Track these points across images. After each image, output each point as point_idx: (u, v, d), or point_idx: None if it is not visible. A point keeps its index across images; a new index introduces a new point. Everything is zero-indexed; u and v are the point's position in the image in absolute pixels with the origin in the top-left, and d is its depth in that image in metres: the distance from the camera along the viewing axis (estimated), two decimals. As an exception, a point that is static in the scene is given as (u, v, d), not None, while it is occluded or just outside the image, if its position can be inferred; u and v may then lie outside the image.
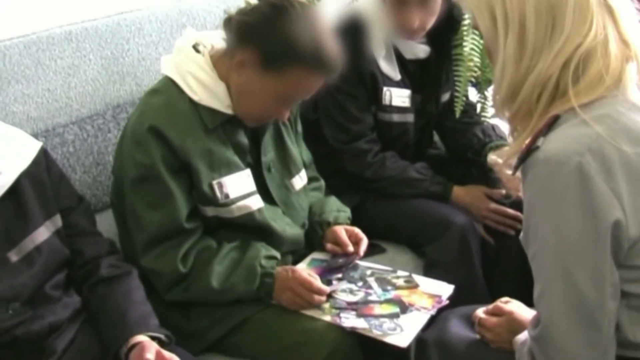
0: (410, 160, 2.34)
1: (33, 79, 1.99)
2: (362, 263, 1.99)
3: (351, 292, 1.87)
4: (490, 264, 2.28)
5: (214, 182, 1.79)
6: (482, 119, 2.52)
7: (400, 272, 1.96)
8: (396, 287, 1.89)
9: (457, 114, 2.38)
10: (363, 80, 2.24)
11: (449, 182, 2.33)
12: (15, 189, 1.56)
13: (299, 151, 2.04)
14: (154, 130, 1.73)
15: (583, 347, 1.29)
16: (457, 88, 2.34)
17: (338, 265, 1.96)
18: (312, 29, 1.71)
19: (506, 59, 1.33)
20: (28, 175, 1.58)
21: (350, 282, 1.91)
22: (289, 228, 1.93)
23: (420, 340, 1.71)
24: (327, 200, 2.11)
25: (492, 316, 1.63)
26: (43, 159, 1.63)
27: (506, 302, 1.65)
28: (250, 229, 1.85)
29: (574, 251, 1.26)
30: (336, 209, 2.08)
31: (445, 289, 1.88)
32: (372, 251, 2.10)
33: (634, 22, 1.33)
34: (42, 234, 1.59)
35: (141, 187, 1.76)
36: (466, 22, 2.30)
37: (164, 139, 1.73)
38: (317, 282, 1.80)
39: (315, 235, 2.03)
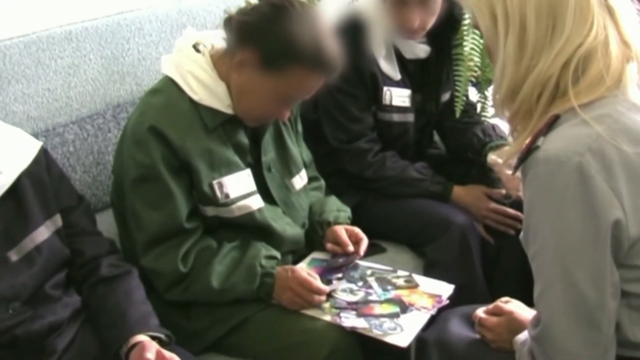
0: (410, 160, 2.34)
1: (33, 79, 1.99)
2: (362, 263, 1.99)
3: (351, 291, 1.87)
4: (490, 263, 2.28)
5: (214, 182, 1.79)
6: (482, 118, 2.52)
7: (400, 272, 1.96)
8: (396, 287, 1.89)
9: (458, 114, 2.38)
10: (363, 80, 2.24)
11: (449, 182, 2.33)
12: (15, 188, 1.56)
13: (299, 151, 2.04)
14: (154, 130, 1.73)
15: (583, 346, 1.29)
16: (458, 88, 2.34)
17: (338, 265, 1.96)
18: (312, 28, 1.71)
19: (506, 59, 1.33)
20: (28, 174, 1.58)
21: (350, 281, 1.91)
22: (289, 228, 1.93)
23: (420, 340, 1.71)
24: (327, 200, 2.11)
25: (492, 316, 1.63)
26: (43, 159, 1.63)
27: (506, 302, 1.65)
28: (251, 229, 1.85)
29: (574, 251, 1.26)
30: (336, 208, 2.08)
31: (445, 289, 1.89)
32: (372, 251, 2.10)
33: (635, 22, 1.33)
34: (42, 233, 1.59)
35: (141, 187, 1.76)
36: (466, 21, 2.30)
37: (164, 138, 1.73)
38: (317, 281, 1.80)
39: (316, 235, 2.03)
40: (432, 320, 1.78)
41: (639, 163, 1.26)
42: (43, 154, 1.63)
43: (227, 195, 1.80)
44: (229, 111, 1.80)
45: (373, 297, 1.84)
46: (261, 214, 1.86)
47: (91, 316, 1.64)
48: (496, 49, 1.35)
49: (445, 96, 2.41)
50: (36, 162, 1.60)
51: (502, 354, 1.56)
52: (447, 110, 2.41)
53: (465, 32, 2.32)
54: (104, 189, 2.08)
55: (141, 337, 1.55)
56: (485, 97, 2.54)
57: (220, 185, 1.79)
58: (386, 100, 2.28)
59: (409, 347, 1.71)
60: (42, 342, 1.54)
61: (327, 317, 1.77)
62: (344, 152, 2.29)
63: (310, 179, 2.08)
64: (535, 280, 1.33)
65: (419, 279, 1.93)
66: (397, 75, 2.28)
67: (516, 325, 1.55)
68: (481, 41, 2.28)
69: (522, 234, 1.36)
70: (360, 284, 1.90)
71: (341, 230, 2.01)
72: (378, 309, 1.80)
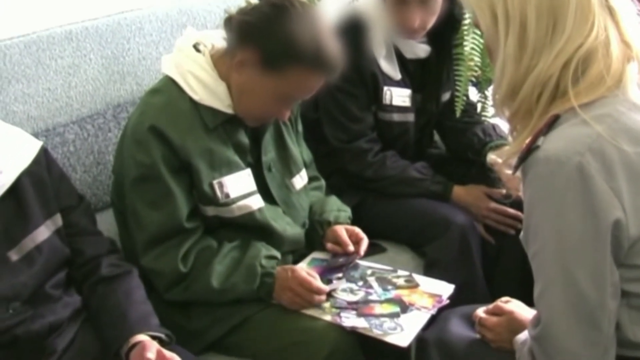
0: (410, 160, 2.34)
1: (33, 79, 1.99)
2: (363, 262, 1.99)
3: (351, 291, 1.87)
4: (490, 263, 2.28)
5: (215, 182, 1.79)
6: (483, 118, 2.52)
7: (400, 272, 1.96)
8: (396, 287, 1.89)
9: (458, 114, 2.38)
10: (363, 79, 2.24)
11: (450, 182, 2.33)
12: (15, 188, 1.56)
13: (299, 151, 2.04)
14: (154, 130, 1.73)
15: (583, 346, 1.29)
16: (458, 87, 2.35)
17: (338, 264, 1.96)
18: (312, 28, 1.71)
19: (506, 58, 1.33)
20: (28, 174, 1.58)
21: (350, 281, 1.91)
22: (289, 228, 1.93)
23: (420, 340, 1.72)
24: (327, 200, 2.11)
25: (493, 316, 1.63)
26: (43, 158, 1.63)
27: (506, 302, 1.65)
28: (251, 229, 1.85)
29: (574, 250, 1.26)
30: (336, 208, 2.08)
31: (445, 289, 1.89)
32: (372, 251, 2.10)
33: (635, 23, 1.33)
34: (43, 233, 1.59)
35: (142, 187, 1.76)
36: (467, 21, 2.30)
37: (164, 138, 1.73)
38: (317, 281, 1.80)
39: (316, 235, 2.03)
40: (433, 320, 1.78)
41: (639, 163, 1.26)
42: (43, 153, 1.63)
43: (227, 195, 1.80)
44: (229, 111, 1.80)
45: (373, 297, 1.84)
46: (261, 213, 1.86)
47: (91, 316, 1.64)
48: (496, 48, 1.34)
49: (446, 96, 2.41)
50: (36, 161, 1.60)
51: (502, 354, 1.56)
52: (447, 110, 2.41)
53: (465, 32, 2.32)
54: (104, 189, 2.08)
55: (141, 337, 1.55)
56: (486, 97, 2.54)
57: (221, 185, 1.79)
58: (386, 100, 2.28)
59: (409, 346, 1.72)
60: (42, 341, 1.54)
61: (328, 317, 1.77)
62: (344, 152, 2.29)
63: (311, 179, 2.08)
64: (536, 280, 1.33)
65: (419, 278, 1.93)
66: (397, 75, 2.28)
67: (516, 325, 1.55)
68: (481, 41, 2.28)
69: (522, 233, 1.36)
70: (361, 283, 1.90)
71: (341, 230, 2.01)
72: (378, 309, 1.80)
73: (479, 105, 2.56)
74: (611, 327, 1.29)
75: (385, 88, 2.27)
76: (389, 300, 1.83)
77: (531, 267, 1.33)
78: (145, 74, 2.23)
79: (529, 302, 1.42)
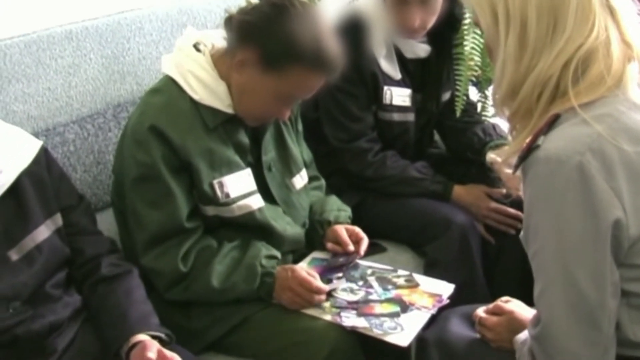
0: (410, 160, 2.34)
1: (34, 78, 1.99)
2: (363, 262, 1.99)
3: (352, 291, 1.87)
4: (490, 263, 2.28)
5: (215, 182, 1.79)
6: (483, 118, 2.52)
7: (400, 272, 1.96)
8: (397, 286, 1.89)
9: (458, 113, 2.38)
10: (364, 79, 2.24)
11: (450, 182, 2.33)
12: (15, 187, 1.56)
13: (299, 150, 2.04)
14: (154, 130, 1.73)
15: (583, 346, 1.29)
16: (458, 87, 2.34)
17: (338, 264, 1.96)
18: (312, 28, 1.71)
19: (506, 58, 1.33)
20: (28, 174, 1.58)
21: (350, 281, 1.91)
22: (289, 227, 1.93)
23: (420, 340, 1.72)
24: (327, 200, 2.11)
25: (493, 315, 1.63)
26: (43, 158, 1.63)
27: (506, 302, 1.65)
28: (251, 229, 1.85)
29: (574, 250, 1.26)
30: (337, 208, 2.08)
31: (445, 288, 1.89)
32: (372, 250, 2.10)
33: (636, 23, 1.33)
34: (43, 232, 1.59)
35: (142, 187, 1.76)
36: (467, 21, 2.30)
37: (164, 138, 1.73)
38: (316, 281, 1.80)
39: (316, 235, 2.03)
40: (433, 319, 1.78)
41: (639, 162, 1.26)
42: (43, 153, 1.63)
43: (227, 195, 1.80)
44: (230, 111, 1.80)
45: (373, 297, 1.84)
46: (261, 213, 1.86)
47: (91, 315, 1.64)
48: (497, 47, 1.34)
49: (446, 95, 2.41)
50: (36, 161, 1.60)
51: (502, 354, 1.56)
52: (447, 110, 2.41)
53: (465, 32, 2.32)
54: (104, 189, 2.08)
55: (142, 337, 1.55)
56: (486, 97, 2.54)
57: (221, 185, 1.79)
58: (386, 99, 2.28)
59: (410, 346, 1.72)
60: (43, 341, 1.54)
61: (328, 317, 1.77)
62: (344, 152, 2.29)
63: (311, 179, 2.08)
64: (536, 280, 1.33)
65: (419, 278, 1.93)
66: (397, 75, 2.28)
67: (516, 325, 1.55)
68: (482, 40, 2.27)
69: (522, 233, 1.36)
70: (361, 283, 1.90)
71: (341, 230, 2.01)
72: (378, 309, 1.80)
73: (479, 105, 2.56)
74: (611, 327, 1.29)
75: (386, 88, 2.27)
76: (389, 300, 1.83)
77: (531, 267, 1.33)
78: (145, 73, 2.23)
79: (529, 301, 1.42)
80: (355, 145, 2.28)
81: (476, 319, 1.65)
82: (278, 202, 1.93)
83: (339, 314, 1.78)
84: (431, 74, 2.36)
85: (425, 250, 2.22)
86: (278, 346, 1.77)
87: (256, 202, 1.85)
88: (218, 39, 1.82)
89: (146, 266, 1.77)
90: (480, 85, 2.54)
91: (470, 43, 2.32)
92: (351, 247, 1.97)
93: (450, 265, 2.13)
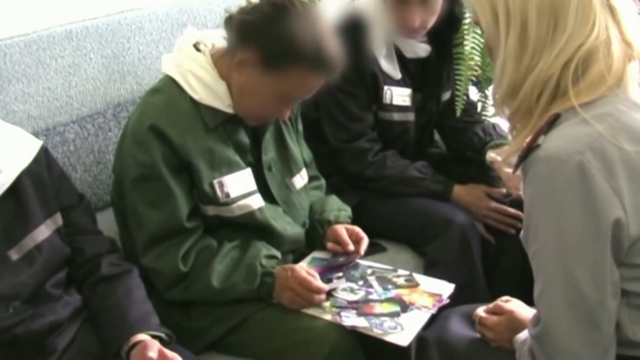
0: (410, 159, 2.34)
1: (34, 78, 1.99)
2: (363, 262, 1.99)
3: (352, 291, 1.87)
4: (490, 263, 2.28)
5: (215, 181, 1.79)
6: (483, 117, 2.52)
7: (400, 271, 1.96)
8: (397, 286, 1.89)
9: (458, 113, 2.38)
10: (364, 79, 2.24)
11: (450, 181, 2.33)
12: (15, 187, 1.56)
13: (299, 150, 2.04)
14: (154, 130, 1.73)
15: (583, 345, 1.29)
16: (458, 87, 2.34)
17: (339, 264, 1.96)
18: (313, 28, 1.71)
19: (507, 57, 1.33)
20: (28, 173, 1.58)
21: (350, 281, 1.91)
22: (289, 227, 1.93)
23: (420, 339, 1.72)
24: (327, 199, 2.11)
25: (493, 315, 1.63)
26: (43, 158, 1.63)
27: (506, 301, 1.65)
28: (251, 228, 1.85)
29: (575, 250, 1.26)
30: (337, 207, 2.08)
31: (445, 288, 1.89)
32: (372, 250, 2.10)
33: (636, 22, 1.33)
34: (43, 232, 1.59)
35: (142, 186, 1.76)
36: (467, 20, 2.30)
37: (164, 138, 1.73)
38: (316, 280, 1.80)
39: (316, 234, 2.03)
40: (433, 319, 1.78)
41: (639, 162, 1.26)
42: (43, 153, 1.63)
43: (227, 195, 1.80)
44: (230, 110, 1.80)
45: (373, 296, 1.84)
46: (262, 213, 1.86)
47: (92, 315, 1.64)
48: (497, 47, 1.34)
49: (446, 95, 2.41)
50: (36, 161, 1.60)
51: (502, 353, 1.56)
52: (447, 110, 2.41)
53: (465, 31, 2.32)
54: (104, 188, 2.08)
55: (142, 336, 1.55)
56: (486, 96, 2.54)
57: (221, 185, 1.79)
58: (387, 99, 2.28)
59: (410, 346, 1.71)
60: (43, 341, 1.54)
61: (328, 316, 1.77)
62: (344, 152, 2.29)
63: (311, 178, 2.08)
64: (536, 279, 1.33)
65: (419, 278, 1.93)
66: (397, 75, 2.28)
67: (516, 324, 1.55)
68: (482, 40, 2.28)
69: (522, 232, 1.36)
70: (361, 283, 1.90)
71: (342, 230, 2.01)
72: (378, 308, 1.80)
73: (479, 105, 2.56)
74: (611, 327, 1.29)
75: (386, 87, 2.27)
76: (389, 300, 1.83)
77: (531, 267, 1.33)
78: (145, 73, 2.23)
79: (529, 301, 1.42)
80: (355, 145, 2.28)
81: (476, 318, 1.65)
82: (278, 202, 1.93)
83: (339, 314, 1.78)
84: (431, 73, 2.36)
85: (425, 250, 2.22)
86: (278, 346, 1.77)
87: (256, 201, 1.85)
88: (218, 38, 1.82)
89: (146, 266, 1.77)
90: (481, 84, 2.54)
91: (471, 43, 2.32)
92: (351, 247, 1.97)
93: (450, 265, 2.13)
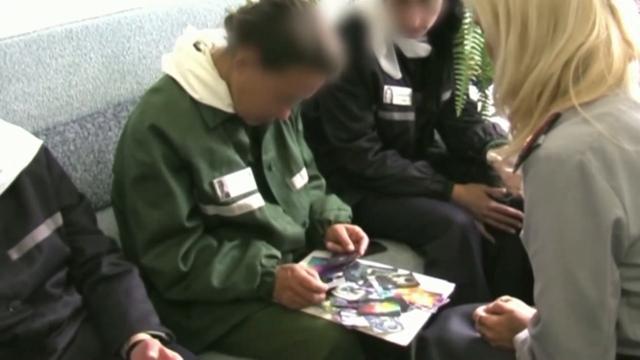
0: (410, 159, 2.34)
1: (34, 77, 1.99)
2: (363, 261, 1.99)
3: (352, 290, 1.87)
4: (490, 262, 2.28)
5: (215, 181, 1.79)
6: (483, 117, 2.52)
7: (401, 271, 1.96)
8: (397, 286, 1.89)
9: (458, 113, 2.38)
10: (364, 78, 2.24)
11: (450, 181, 2.33)
12: (15, 187, 1.56)
13: (299, 150, 2.04)
14: (154, 129, 1.73)
15: (583, 345, 1.29)
16: (458, 86, 2.34)
17: (339, 263, 1.96)
18: (313, 27, 1.71)
19: (507, 57, 1.33)
20: (29, 173, 1.58)
21: (351, 280, 1.91)
22: (289, 227, 1.93)
23: (420, 339, 1.72)
24: (327, 199, 2.11)
25: (493, 315, 1.63)
26: (44, 157, 1.63)
27: (506, 301, 1.65)
28: (251, 228, 1.85)
29: (575, 249, 1.26)
30: (337, 207, 2.08)
31: (445, 288, 1.89)
32: (372, 250, 2.10)
33: (637, 21, 1.33)
34: (43, 232, 1.59)
35: (142, 186, 1.76)
36: (467, 20, 2.30)
37: (164, 137, 1.73)
38: (316, 280, 1.80)
39: (316, 234, 2.03)
40: (433, 318, 1.78)
41: (639, 161, 1.26)
42: (43, 152, 1.63)
43: (227, 194, 1.80)
44: (230, 110, 1.80)
45: (374, 296, 1.84)
46: (262, 212, 1.86)
47: (92, 315, 1.64)
48: (497, 46, 1.34)
49: (446, 95, 2.41)
50: (36, 160, 1.60)
51: (502, 353, 1.56)
52: (447, 109, 2.41)
53: (466, 31, 2.32)
54: (104, 188, 2.08)
55: (142, 336, 1.55)
56: (486, 96, 2.54)
57: (221, 184, 1.79)
58: (387, 99, 2.28)
59: (410, 345, 1.71)
60: (43, 340, 1.54)
61: (328, 316, 1.77)
62: (344, 151, 2.29)
63: (311, 178, 2.08)
64: (536, 279, 1.33)
65: (419, 277, 1.93)
66: (397, 74, 2.28)
67: (516, 324, 1.55)
68: (482, 40, 2.28)
69: (522, 232, 1.36)
70: (361, 282, 1.90)
71: (342, 229, 2.01)
72: (379, 308, 1.80)
73: (480, 104, 2.56)
74: (611, 326, 1.29)
75: (386, 87, 2.27)
76: (389, 299, 1.83)
77: (531, 266, 1.33)
78: (145, 72, 2.23)
79: (529, 301, 1.42)
80: (356, 145, 2.28)
81: (476, 318, 1.65)
82: (278, 202, 1.93)
83: (339, 313, 1.78)
84: (431, 73, 2.36)
85: (425, 250, 2.23)
86: (278, 345, 1.77)
87: (256, 201, 1.85)
88: (218, 38, 1.82)
89: (146, 265, 1.77)
90: (481, 84, 2.54)
91: (471, 42, 2.32)
92: (351, 247, 1.97)
93: (450, 265, 2.13)
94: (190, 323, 1.81)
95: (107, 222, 1.92)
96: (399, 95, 2.30)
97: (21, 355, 1.52)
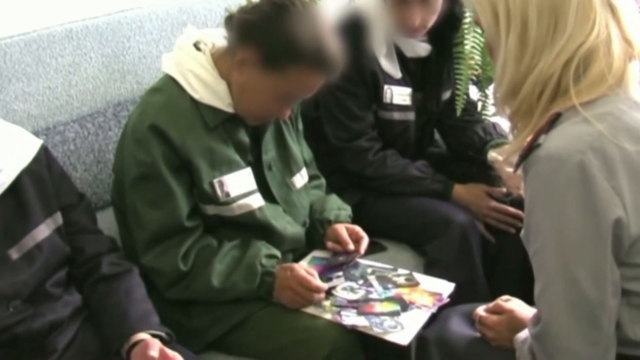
0: (411, 159, 2.34)
1: (34, 77, 1.99)
2: (363, 261, 1.99)
3: (352, 290, 1.87)
4: (490, 262, 2.28)
5: (215, 181, 1.79)
6: (483, 117, 2.52)
7: (401, 270, 1.96)
8: (397, 285, 1.89)
9: (458, 112, 2.38)
10: (364, 78, 2.24)
11: (450, 181, 2.33)
12: (15, 186, 1.56)
13: (299, 149, 2.04)
14: (154, 129, 1.73)
15: (583, 345, 1.29)
16: (458, 86, 2.34)
17: (339, 263, 1.96)
18: (313, 27, 1.71)
19: (507, 57, 1.33)
20: (29, 172, 1.58)
21: (351, 280, 1.91)
22: (289, 226, 1.93)
23: (421, 338, 1.72)
24: (327, 199, 2.11)
25: (493, 314, 1.63)
26: (44, 157, 1.63)
27: (507, 300, 1.65)
28: (251, 228, 1.85)
29: (575, 249, 1.26)
30: (337, 207, 2.08)
31: (445, 287, 1.89)
32: (372, 249, 2.10)
33: (637, 21, 1.33)
34: (43, 231, 1.59)
35: (142, 186, 1.76)
36: (467, 20, 2.30)
37: (164, 137, 1.73)
38: (315, 280, 1.80)
39: (316, 234, 2.03)
40: (433, 318, 1.78)
41: (640, 161, 1.26)
42: (43, 152, 1.63)
43: (227, 194, 1.80)
44: (230, 110, 1.80)
45: (374, 296, 1.84)
46: (262, 212, 1.86)
47: (92, 314, 1.64)
48: (497, 46, 1.34)
49: (446, 94, 2.41)
50: (37, 160, 1.60)
51: (502, 353, 1.56)
52: (447, 109, 2.41)
53: (466, 31, 2.32)
54: (104, 187, 2.08)
55: (142, 335, 1.55)
56: (486, 96, 2.54)
57: (221, 184, 1.79)
58: (387, 98, 2.28)
59: (410, 345, 1.72)
60: (43, 340, 1.54)
61: (328, 316, 1.77)
62: (344, 151, 2.29)
63: (311, 178, 2.08)
64: (536, 279, 1.33)
65: (419, 277, 1.93)
66: (397, 74, 2.28)
67: (517, 324, 1.55)
68: (482, 39, 2.28)
69: (522, 232, 1.36)
70: (361, 282, 1.90)
71: (342, 229, 2.01)
72: (379, 307, 1.80)
73: (480, 104, 2.55)
74: (611, 326, 1.29)
75: (386, 87, 2.27)
76: (389, 299, 1.83)
77: (531, 266, 1.33)
78: (145, 72, 2.23)
79: (530, 300, 1.42)
80: (356, 144, 2.28)
81: (476, 317, 1.65)
82: (278, 201, 1.93)
83: (339, 313, 1.78)
84: (431, 72, 2.36)
85: (425, 249, 2.23)
86: (278, 345, 1.77)
87: (256, 201, 1.85)
88: (218, 38, 1.82)
89: (146, 265, 1.77)
90: (481, 84, 2.54)
91: (471, 42, 2.32)
92: (351, 246, 1.97)
93: (450, 264, 2.13)
94: (190, 323, 1.81)
95: (107, 221, 1.92)
96: (399, 95, 2.30)
97: (21, 355, 1.52)
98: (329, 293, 1.83)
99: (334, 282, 1.88)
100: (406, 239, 2.27)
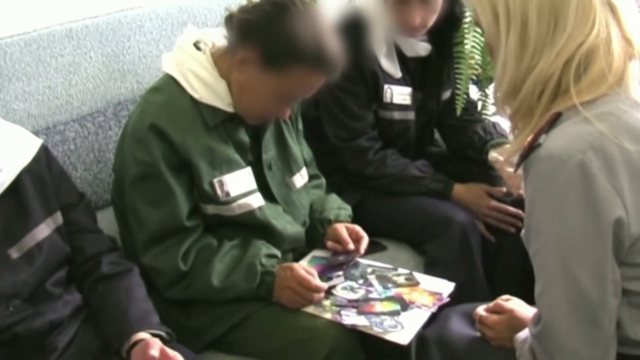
0: (411, 158, 2.34)
1: (34, 77, 1.99)
2: (363, 261, 1.99)
3: (352, 289, 1.87)
4: (491, 261, 2.28)
5: (215, 180, 1.79)
6: (483, 116, 2.52)
7: (401, 270, 1.96)
8: (397, 285, 1.89)
9: (458, 112, 2.38)
10: (364, 77, 2.24)
11: (450, 180, 2.32)
12: (15, 186, 1.56)
13: (299, 149, 2.04)
14: (154, 128, 1.73)
15: (584, 344, 1.29)
16: (458, 86, 2.34)
17: (339, 262, 1.96)
18: (313, 27, 1.71)
19: (507, 57, 1.33)
20: (29, 172, 1.58)
21: (351, 279, 1.91)
22: (289, 226, 1.93)
23: (421, 338, 1.72)
24: (328, 198, 2.11)
25: (493, 314, 1.63)
26: (44, 156, 1.63)
27: (507, 300, 1.65)
28: (251, 227, 1.85)
29: (576, 249, 1.26)
30: (337, 206, 2.08)
31: (446, 287, 1.89)
32: (372, 249, 2.10)
33: (637, 20, 1.33)
34: (43, 231, 1.59)
35: (142, 185, 1.76)
36: (467, 19, 2.30)
37: (164, 136, 1.73)
38: (315, 279, 1.80)
39: (316, 233, 2.03)
40: (433, 318, 1.78)
41: (640, 161, 1.26)
42: (44, 151, 1.63)
43: (227, 194, 1.80)
44: (230, 109, 1.80)
45: (374, 295, 1.84)
46: (262, 212, 1.86)
47: (92, 314, 1.64)
48: (498, 46, 1.34)
49: (446, 94, 2.41)
50: (37, 159, 1.60)
51: (502, 352, 1.56)
52: (447, 108, 2.41)
53: (466, 30, 2.32)
54: (104, 187, 2.08)
55: (142, 335, 1.55)
56: (486, 95, 2.54)
57: (221, 184, 1.79)
58: (387, 98, 2.28)
59: (410, 344, 1.72)
60: (43, 339, 1.54)
61: (328, 315, 1.77)
62: (344, 150, 2.29)
63: (311, 177, 2.08)
64: (536, 278, 1.33)
65: (419, 276, 1.93)
66: (397, 73, 2.28)
67: (517, 323, 1.55)
68: (482, 39, 2.28)
69: (523, 231, 1.36)
70: (361, 281, 1.90)
71: (342, 228, 2.01)
72: (379, 307, 1.80)
73: (480, 104, 2.56)
74: (612, 326, 1.29)
75: (386, 86, 2.27)
76: (389, 298, 1.83)
77: (532, 265, 1.33)
78: (145, 72, 2.23)
79: (530, 300, 1.42)
80: (356, 144, 2.28)
81: (476, 317, 1.65)
82: (278, 201, 1.93)
83: (339, 312, 1.78)
84: (431, 72, 2.36)
85: (425, 249, 2.22)
86: (278, 345, 1.77)
87: (256, 200, 1.85)
88: (218, 37, 1.82)
89: (146, 265, 1.77)
90: (481, 83, 2.54)
91: (471, 42, 2.32)
92: (351, 246, 1.97)
93: (450, 264, 2.13)
94: (190, 322, 1.81)
95: (107, 221, 1.93)
96: (399, 95, 2.30)
97: (21, 354, 1.52)
98: (328, 292, 1.83)
99: (334, 281, 1.88)
100: (406, 239, 2.27)
